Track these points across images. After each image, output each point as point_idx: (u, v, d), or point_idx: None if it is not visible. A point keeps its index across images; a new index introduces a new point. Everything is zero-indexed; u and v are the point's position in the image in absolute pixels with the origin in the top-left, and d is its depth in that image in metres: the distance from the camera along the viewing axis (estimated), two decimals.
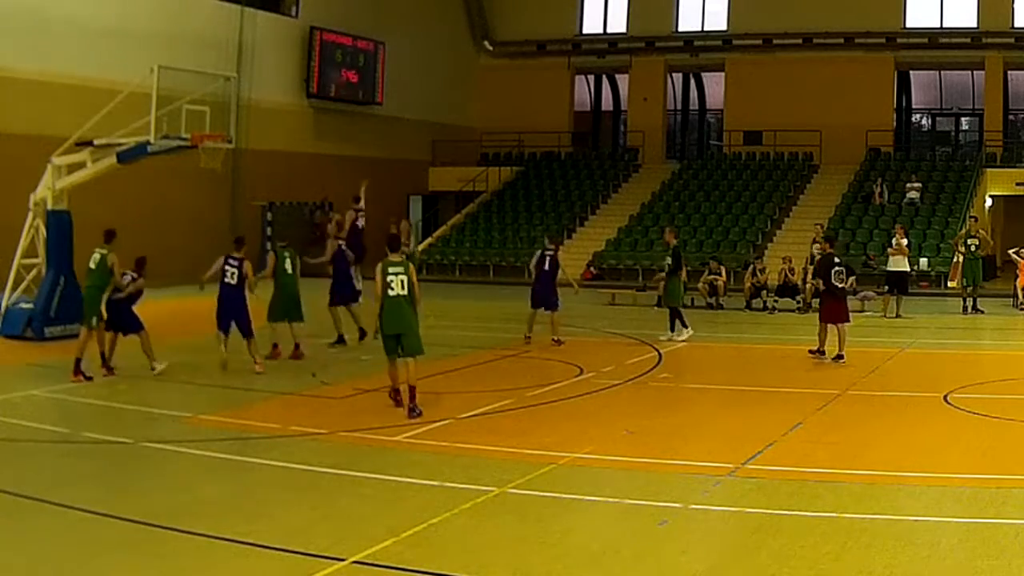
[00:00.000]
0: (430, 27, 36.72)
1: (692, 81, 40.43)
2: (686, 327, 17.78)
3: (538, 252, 17.56)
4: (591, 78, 41.06)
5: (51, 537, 7.46)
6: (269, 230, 29.57)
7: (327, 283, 17.04)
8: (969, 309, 22.18)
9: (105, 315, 13.80)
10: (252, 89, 28.34)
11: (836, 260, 15.59)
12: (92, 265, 13.98)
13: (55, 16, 24.02)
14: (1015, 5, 33.51)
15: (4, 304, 17.76)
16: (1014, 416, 11.32)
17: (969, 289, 22.31)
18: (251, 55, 29.37)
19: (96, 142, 17.41)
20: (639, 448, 10.10)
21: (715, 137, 40.35)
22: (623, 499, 8.38)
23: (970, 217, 25.45)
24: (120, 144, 17.21)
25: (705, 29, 37.31)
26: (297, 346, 15.59)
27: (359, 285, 17.28)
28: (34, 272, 18.04)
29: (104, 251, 13.92)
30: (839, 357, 15.16)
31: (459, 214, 35.55)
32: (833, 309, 15.41)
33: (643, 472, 9.21)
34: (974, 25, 33.76)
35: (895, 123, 36.33)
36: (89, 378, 13.44)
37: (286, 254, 15.79)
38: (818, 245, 20.06)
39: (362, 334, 16.33)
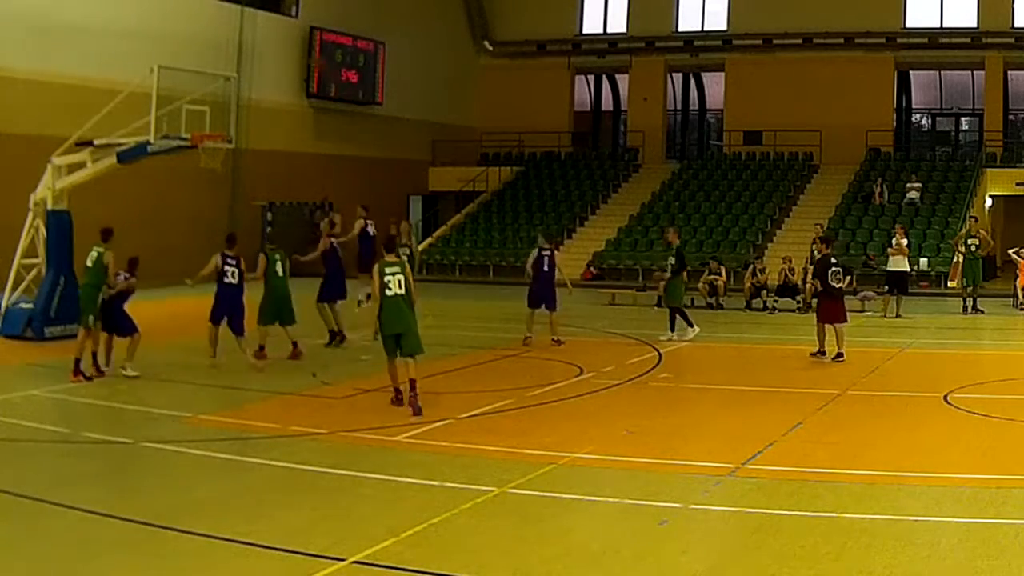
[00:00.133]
0: (430, 27, 36.72)
1: (692, 81, 40.43)
2: (691, 326, 17.77)
3: (535, 252, 17.41)
4: (591, 78, 41.06)
5: (51, 537, 7.46)
6: (269, 230, 29.57)
7: (318, 282, 17.02)
8: (969, 309, 22.18)
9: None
10: (252, 89, 28.32)
11: (833, 260, 15.65)
12: (89, 263, 13.99)
13: (55, 16, 24.02)
14: (1015, 5, 33.51)
15: (4, 304, 17.76)
16: (1014, 416, 11.32)
17: (969, 289, 22.31)
18: (251, 55, 29.36)
19: (96, 142, 17.40)
20: (639, 448, 10.10)
21: (715, 137, 40.35)
22: (623, 499, 8.38)
23: (970, 217, 25.46)
24: (120, 144, 17.21)
25: (705, 29, 37.31)
26: (295, 345, 15.57)
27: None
28: (34, 272, 18.04)
29: (100, 249, 13.92)
30: (839, 355, 15.18)
31: (459, 214, 35.55)
32: (830, 309, 15.45)
33: (643, 472, 9.20)
34: (974, 25, 33.76)
35: (895, 123, 36.34)
36: (89, 378, 13.45)
37: (277, 256, 15.62)
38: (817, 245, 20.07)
39: (332, 336, 16.41)
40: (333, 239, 17.12)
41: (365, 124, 34.31)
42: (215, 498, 8.50)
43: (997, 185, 32.13)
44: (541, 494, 8.52)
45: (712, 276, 23.74)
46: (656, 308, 22.79)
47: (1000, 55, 33.82)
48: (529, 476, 8.96)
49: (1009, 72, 34.59)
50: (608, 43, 38.50)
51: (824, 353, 15.46)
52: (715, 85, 39.11)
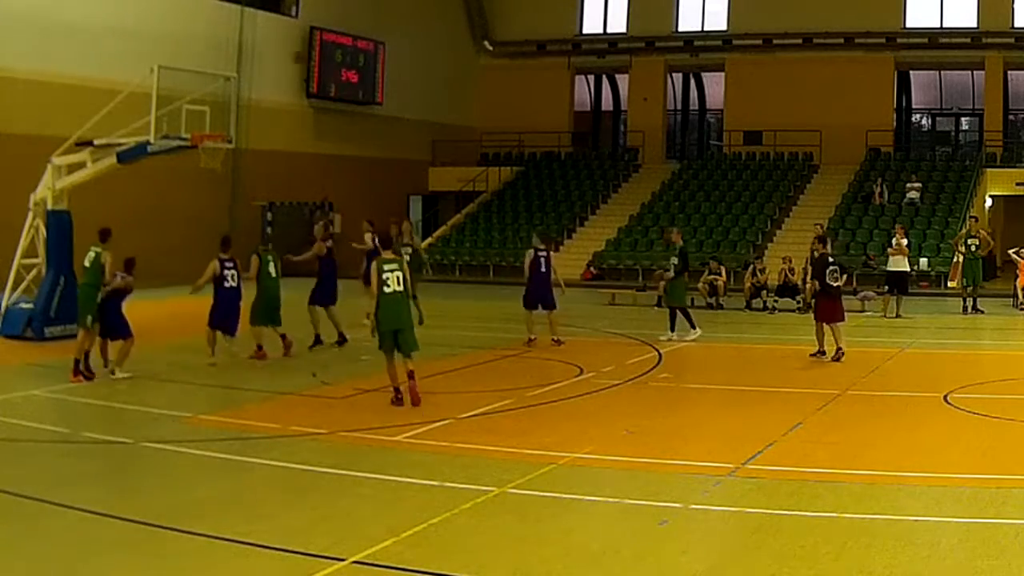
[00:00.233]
0: (430, 27, 36.72)
1: (692, 81, 40.44)
2: (693, 327, 17.77)
3: (531, 253, 17.31)
4: (591, 78, 41.07)
5: (51, 537, 7.46)
6: (269, 230, 29.57)
7: (311, 282, 17.01)
8: (969, 309, 22.18)
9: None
10: (252, 89, 28.35)
11: (830, 259, 15.71)
12: (87, 263, 13.99)
13: (55, 16, 24.03)
14: (1015, 5, 33.51)
15: (4, 304, 17.76)
16: (1014, 416, 11.32)
17: (969, 289, 22.31)
18: (251, 55, 29.37)
19: (96, 142, 17.40)
20: (639, 448, 10.10)
21: (715, 137, 40.35)
22: (623, 499, 8.38)
23: (970, 217, 25.45)
24: (120, 144, 17.21)
25: (705, 29, 37.32)
26: (284, 336, 15.58)
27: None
28: (34, 272, 18.04)
29: (98, 249, 13.92)
30: (839, 352, 15.23)
31: (459, 214, 35.56)
32: (829, 308, 15.51)
33: (643, 472, 9.20)
34: (974, 25, 33.77)
35: (895, 123, 36.35)
36: (89, 378, 13.44)
37: (269, 257, 15.67)
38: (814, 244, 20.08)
39: (316, 340, 16.42)
40: (327, 243, 17.02)
41: (365, 124, 34.32)
42: (215, 498, 8.50)
43: (997, 185, 32.14)
44: (541, 494, 8.52)
45: (712, 276, 23.74)
46: (656, 308, 22.80)
47: (1000, 55, 33.83)
48: (529, 476, 8.96)
49: (1009, 72, 34.60)
50: (608, 43, 38.51)
51: (824, 353, 15.47)
52: (715, 85, 39.11)
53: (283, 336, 15.61)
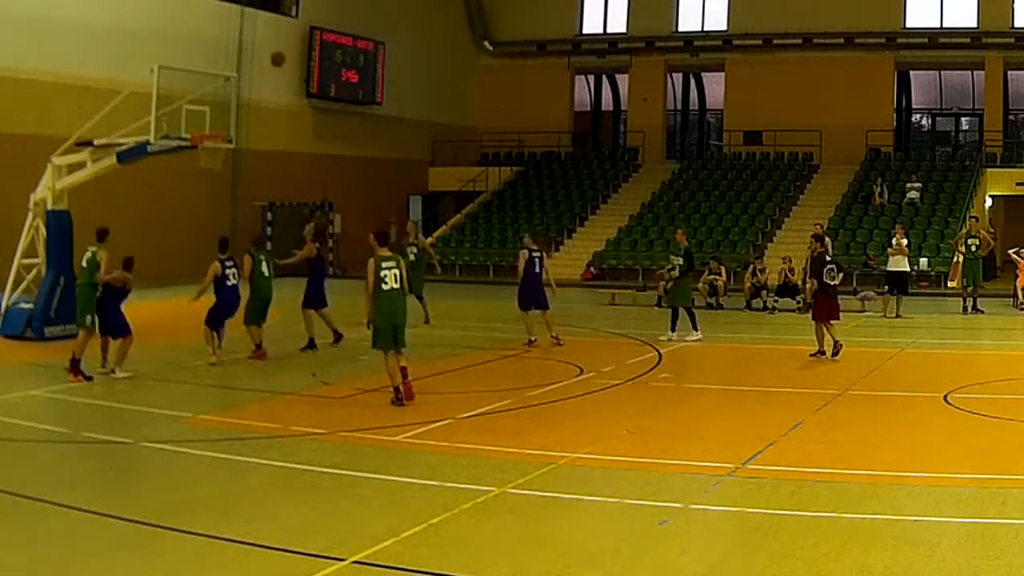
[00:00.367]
0: (430, 27, 36.72)
1: (692, 81, 40.44)
2: (696, 329, 17.77)
3: (525, 253, 17.19)
4: (591, 78, 41.07)
5: (51, 537, 7.46)
6: (269, 230, 29.58)
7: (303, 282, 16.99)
8: (969, 309, 22.18)
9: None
10: (252, 89, 28.35)
11: (828, 259, 15.80)
12: (84, 263, 14.01)
13: (55, 16, 24.03)
14: (1015, 5, 33.51)
15: (4, 304, 17.76)
16: (1014, 416, 11.32)
17: (969, 289, 22.31)
18: (251, 55, 29.37)
19: (96, 142, 17.40)
20: (639, 448, 10.10)
21: (715, 137, 40.35)
22: (623, 499, 8.38)
23: (970, 217, 25.45)
24: (120, 144, 17.21)
25: (705, 29, 37.31)
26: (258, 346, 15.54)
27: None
28: (34, 272, 18.04)
29: (95, 248, 13.94)
30: (836, 346, 15.34)
31: (459, 214, 35.56)
32: (827, 307, 15.64)
33: (643, 472, 9.20)
34: (974, 25, 33.76)
35: (895, 123, 36.34)
36: (89, 378, 13.44)
37: (262, 257, 15.71)
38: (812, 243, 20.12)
39: (337, 336, 16.36)
40: (317, 245, 16.98)
41: (365, 124, 34.33)
42: (215, 498, 8.50)
43: (997, 185, 32.15)
44: (541, 494, 8.52)
45: (712, 276, 23.74)
46: (656, 308, 22.81)
47: (1000, 55, 33.82)
48: (529, 476, 8.96)
49: (1009, 72, 34.60)
50: (608, 43, 38.50)
51: (824, 353, 15.49)
52: (715, 85, 39.11)
53: (256, 344, 15.55)
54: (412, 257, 19.92)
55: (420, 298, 19.62)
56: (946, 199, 30.98)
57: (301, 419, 11.30)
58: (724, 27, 36.77)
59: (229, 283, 14.96)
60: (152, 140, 16.81)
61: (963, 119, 38.12)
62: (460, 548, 7.22)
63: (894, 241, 22.41)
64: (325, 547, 7.10)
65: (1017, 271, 23.19)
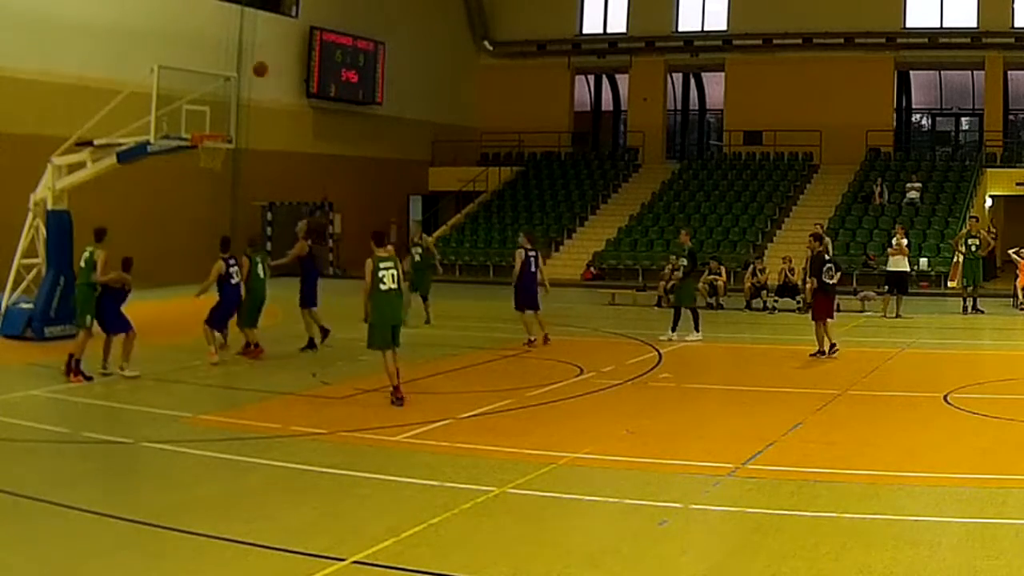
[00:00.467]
0: (430, 27, 36.72)
1: (692, 81, 40.43)
2: (698, 330, 17.78)
3: (521, 253, 17.15)
4: (591, 78, 41.06)
5: (51, 537, 7.47)
6: (269, 230, 29.58)
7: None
8: (969, 309, 22.18)
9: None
10: (252, 89, 28.32)
11: (826, 258, 15.91)
12: (82, 263, 14.01)
13: (56, 16, 24.02)
14: (1015, 5, 33.49)
15: (4, 304, 17.76)
16: (1014, 416, 11.32)
17: (969, 289, 22.31)
18: (251, 55, 29.32)
19: (96, 142, 17.40)
20: (639, 448, 10.10)
21: (715, 137, 40.34)
22: (623, 499, 8.38)
23: (970, 217, 25.45)
24: (120, 144, 17.21)
25: (705, 29, 37.29)
26: (248, 345, 15.50)
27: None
28: (34, 272, 18.04)
29: (92, 248, 13.94)
30: (832, 347, 15.48)
31: (459, 214, 35.55)
32: (826, 306, 15.71)
33: (643, 472, 9.20)
34: (974, 25, 33.74)
35: (895, 123, 36.33)
36: (89, 378, 13.44)
37: (257, 258, 15.73)
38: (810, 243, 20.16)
39: (310, 343, 16.31)
40: (309, 243, 16.92)
41: (365, 124, 34.31)
42: (215, 498, 8.50)
43: (997, 185, 32.13)
44: (541, 494, 8.53)
45: (712, 276, 23.74)
46: (656, 308, 22.82)
47: (1000, 55, 33.81)
48: (529, 476, 8.96)
49: (1009, 72, 34.58)
50: (608, 43, 38.49)
51: (824, 352, 15.51)
52: (715, 85, 39.09)
53: (246, 344, 15.52)
54: (418, 257, 19.91)
55: (425, 298, 19.62)
56: (946, 199, 30.97)
57: (301, 419, 11.31)
58: (724, 27, 36.75)
59: (233, 282, 15.03)
60: (152, 140, 16.82)
61: (963, 119, 38.12)
62: (460, 548, 7.22)
63: (894, 241, 22.41)
64: (325, 547, 7.10)
65: (1017, 271, 23.19)
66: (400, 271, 12.19)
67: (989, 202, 32.28)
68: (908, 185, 31.55)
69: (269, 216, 30.31)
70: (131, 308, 14.40)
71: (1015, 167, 32.16)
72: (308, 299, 16.56)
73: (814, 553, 7.04)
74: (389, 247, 12.53)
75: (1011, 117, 35.91)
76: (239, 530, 7.48)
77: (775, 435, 10.52)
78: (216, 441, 10.34)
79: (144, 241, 22.17)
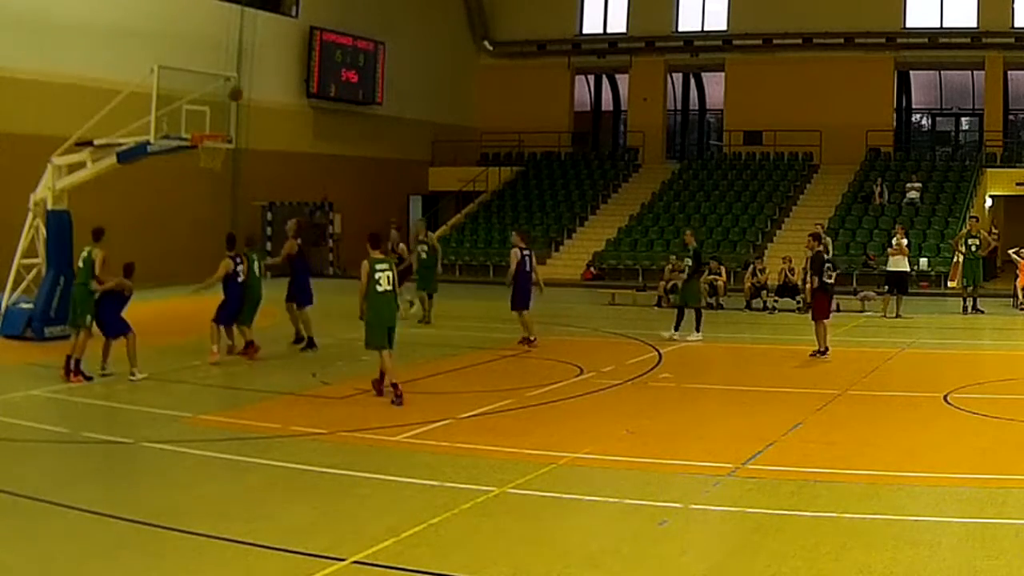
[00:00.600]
0: (430, 27, 36.72)
1: (692, 81, 40.43)
2: (699, 330, 17.79)
3: (517, 252, 17.10)
4: (591, 78, 41.06)
5: (51, 537, 7.46)
6: (269, 230, 29.58)
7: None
8: (969, 309, 22.18)
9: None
10: (252, 89, 28.29)
11: (825, 257, 15.93)
12: (80, 263, 14.00)
13: (56, 16, 24.01)
14: (1015, 5, 33.49)
15: (4, 304, 17.76)
16: (1014, 416, 11.32)
17: (969, 289, 22.31)
18: (251, 55, 29.35)
19: (96, 142, 17.40)
20: (639, 448, 10.10)
21: (715, 137, 40.34)
22: (623, 499, 8.38)
23: (970, 217, 25.45)
24: (120, 144, 17.21)
25: (705, 29, 37.29)
26: (247, 344, 15.51)
27: None
28: (34, 272, 18.04)
29: (90, 248, 13.93)
30: (824, 350, 15.54)
31: (459, 214, 35.55)
32: (825, 305, 15.76)
33: (643, 472, 9.20)
34: (974, 25, 33.75)
35: (895, 123, 36.33)
36: (89, 378, 13.44)
37: (254, 256, 15.76)
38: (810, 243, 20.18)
39: (303, 339, 16.28)
40: (299, 241, 16.89)
41: (365, 124, 34.31)
42: (215, 498, 8.50)
43: (997, 185, 32.13)
44: (541, 494, 8.53)
45: (712, 276, 23.73)
46: (656, 308, 22.83)
47: (1000, 55, 33.81)
48: (529, 476, 8.96)
49: (1009, 72, 34.58)
50: (608, 43, 38.48)
51: (824, 352, 15.52)
52: (715, 85, 39.09)
53: (230, 346, 15.53)
54: (424, 255, 19.87)
55: (430, 296, 19.61)
56: (946, 199, 30.97)
57: (301, 419, 11.31)
58: (724, 27, 36.75)
59: (239, 279, 15.12)
60: (152, 140, 16.81)
61: (963, 119, 38.11)
62: (460, 548, 7.22)
63: (894, 241, 22.42)
64: (325, 547, 7.10)
65: (1017, 271, 23.19)
66: (395, 273, 12.31)
67: (989, 202, 32.28)
68: (908, 185, 31.55)
69: (269, 216, 30.32)
70: (131, 308, 14.37)
71: (1015, 167, 32.15)
72: (298, 297, 16.49)
73: (814, 553, 7.04)
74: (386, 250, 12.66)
75: (1011, 117, 35.90)
76: (239, 530, 7.48)
77: (775, 435, 10.53)
78: (216, 441, 10.34)
79: (144, 241, 22.20)
